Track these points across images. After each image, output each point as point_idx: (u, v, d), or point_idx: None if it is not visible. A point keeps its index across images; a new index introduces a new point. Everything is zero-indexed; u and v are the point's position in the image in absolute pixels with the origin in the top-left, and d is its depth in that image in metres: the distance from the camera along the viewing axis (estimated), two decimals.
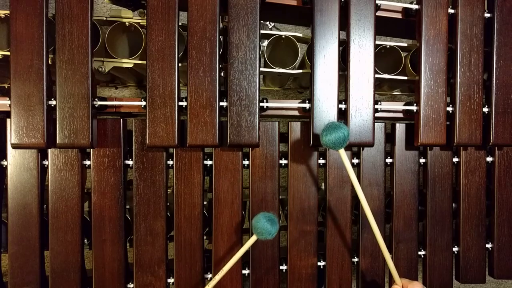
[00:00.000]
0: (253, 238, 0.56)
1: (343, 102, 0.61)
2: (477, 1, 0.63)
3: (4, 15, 0.65)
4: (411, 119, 0.65)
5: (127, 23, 0.71)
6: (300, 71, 0.72)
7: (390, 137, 0.67)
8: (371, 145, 0.61)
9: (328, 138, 0.54)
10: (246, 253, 0.64)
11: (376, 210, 0.65)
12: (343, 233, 0.65)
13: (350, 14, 0.61)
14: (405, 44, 0.74)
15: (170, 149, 0.62)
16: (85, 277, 0.63)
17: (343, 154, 0.56)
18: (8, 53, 0.62)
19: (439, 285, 0.68)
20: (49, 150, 0.60)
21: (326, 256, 0.65)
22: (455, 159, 0.67)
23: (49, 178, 0.60)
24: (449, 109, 0.63)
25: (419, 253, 0.68)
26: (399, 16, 0.66)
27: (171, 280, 0.63)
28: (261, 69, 0.67)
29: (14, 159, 0.59)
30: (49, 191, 0.60)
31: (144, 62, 0.60)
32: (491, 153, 0.68)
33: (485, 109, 0.64)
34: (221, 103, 0.59)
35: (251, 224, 0.57)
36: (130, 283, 0.63)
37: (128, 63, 0.70)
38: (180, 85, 0.59)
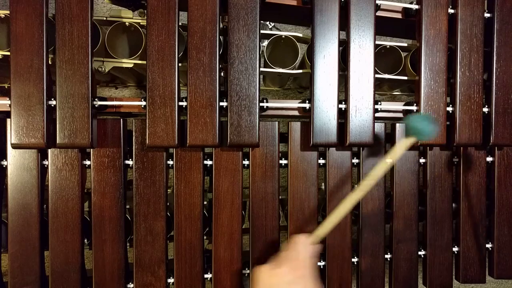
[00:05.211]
0: (409, 140, 0.51)
1: (343, 102, 0.61)
2: (477, 1, 0.63)
3: (4, 15, 0.65)
4: None
5: (127, 23, 0.71)
6: (300, 71, 0.72)
7: (390, 137, 0.67)
8: (371, 145, 0.61)
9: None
10: (246, 253, 0.64)
11: (376, 210, 0.65)
12: (343, 233, 0.65)
13: (350, 14, 0.61)
14: (405, 44, 0.74)
15: (170, 149, 0.62)
16: (85, 277, 0.63)
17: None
18: (8, 53, 0.62)
19: (439, 285, 0.68)
20: (49, 150, 0.60)
21: (326, 256, 0.65)
22: (455, 159, 0.67)
23: (49, 178, 0.60)
24: (449, 109, 0.63)
25: (419, 253, 0.68)
26: (399, 16, 0.66)
27: (171, 280, 0.63)
28: (261, 69, 0.67)
29: (14, 159, 0.59)
30: (49, 191, 0.60)
31: (144, 62, 0.60)
32: (491, 153, 0.68)
33: (485, 109, 0.64)
34: (221, 103, 0.59)
35: (408, 125, 0.52)
36: (130, 283, 0.63)
37: (128, 63, 0.70)
38: (180, 85, 0.59)
